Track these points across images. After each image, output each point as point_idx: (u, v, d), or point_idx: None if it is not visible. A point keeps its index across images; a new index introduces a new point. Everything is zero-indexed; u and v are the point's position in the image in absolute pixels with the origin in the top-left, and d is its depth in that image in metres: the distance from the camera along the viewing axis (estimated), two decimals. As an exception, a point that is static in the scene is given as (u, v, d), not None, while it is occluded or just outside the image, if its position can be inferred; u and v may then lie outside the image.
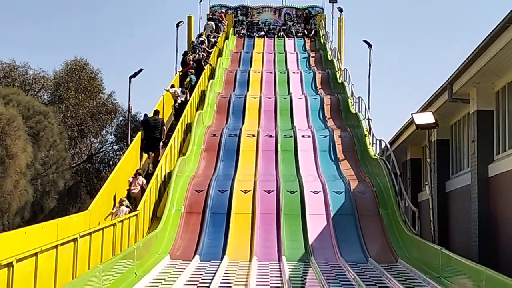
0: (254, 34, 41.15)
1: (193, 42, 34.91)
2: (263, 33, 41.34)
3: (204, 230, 17.39)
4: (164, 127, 21.24)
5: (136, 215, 16.01)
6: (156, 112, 21.51)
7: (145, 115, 21.51)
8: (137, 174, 18.39)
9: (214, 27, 38.90)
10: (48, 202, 39.66)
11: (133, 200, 17.68)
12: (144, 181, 18.23)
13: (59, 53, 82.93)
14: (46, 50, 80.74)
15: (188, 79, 27.92)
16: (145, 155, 20.86)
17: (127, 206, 16.71)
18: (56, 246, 10.48)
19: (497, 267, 14.55)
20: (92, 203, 15.31)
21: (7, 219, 34.23)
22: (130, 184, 18.09)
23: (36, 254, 9.65)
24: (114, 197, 17.36)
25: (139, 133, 20.73)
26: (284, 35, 40.73)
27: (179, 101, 25.18)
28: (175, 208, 18.23)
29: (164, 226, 16.96)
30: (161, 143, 20.89)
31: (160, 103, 23.49)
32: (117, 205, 16.81)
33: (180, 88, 26.17)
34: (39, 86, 47.33)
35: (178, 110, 24.79)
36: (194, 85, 27.51)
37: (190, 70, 28.79)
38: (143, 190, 17.85)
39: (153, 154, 20.65)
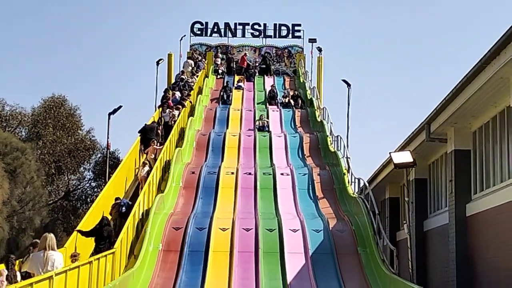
0: (233, 69, 40.73)
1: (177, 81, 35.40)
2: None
3: (182, 269, 17.23)
4: (159, 131, 25.38)
5: (113, 253, 15.84)
6: (152, 122, 26.14)
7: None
8: (152, 142, 23.74)
9: (193, 65, 38.99)
10: (24, 240, 39.12)
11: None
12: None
13: (36, 90, 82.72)
14: (23, 86, 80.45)
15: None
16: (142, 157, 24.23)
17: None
18: (31, 284, 10.32)
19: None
20: (68, 240, 15.17)
21: (-19, 256, 33.71)
22: (146, 152, 23.55)
23: (10, 292, 9.50)
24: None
25: (138, 138, 24.39)
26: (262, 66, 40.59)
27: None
28: (153, 246, 18.07)
29: (141, 264, 16.78)
30: (158, 144, 24.39)
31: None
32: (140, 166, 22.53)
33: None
34: (17, 122, 47.05)
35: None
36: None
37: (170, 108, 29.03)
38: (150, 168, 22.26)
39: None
